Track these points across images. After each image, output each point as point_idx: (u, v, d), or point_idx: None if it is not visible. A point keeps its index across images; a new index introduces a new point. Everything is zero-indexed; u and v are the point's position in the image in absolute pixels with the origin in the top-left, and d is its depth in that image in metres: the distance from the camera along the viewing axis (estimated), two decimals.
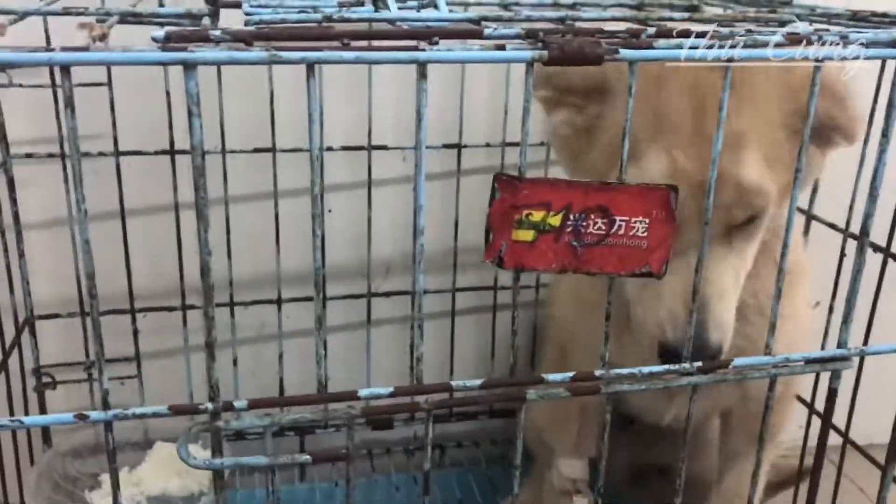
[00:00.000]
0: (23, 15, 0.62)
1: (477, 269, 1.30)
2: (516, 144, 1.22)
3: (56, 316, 1.15)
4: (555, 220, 0.57)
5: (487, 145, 1.24)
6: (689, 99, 0.68)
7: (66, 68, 0.47)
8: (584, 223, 0.57)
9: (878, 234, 0.95)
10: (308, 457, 0.58)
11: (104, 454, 1.17)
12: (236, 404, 0.55)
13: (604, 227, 0.58)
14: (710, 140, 0.64)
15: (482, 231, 1.36)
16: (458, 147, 1.21)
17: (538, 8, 0.76)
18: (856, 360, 0.66)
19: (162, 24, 0.73)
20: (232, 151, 1.12)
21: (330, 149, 1.17)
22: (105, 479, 1.17)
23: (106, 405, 0.55)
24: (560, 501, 1.01)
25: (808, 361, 0.65)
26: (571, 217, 0.57)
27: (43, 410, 1.17)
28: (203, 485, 1.15)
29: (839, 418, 0.94)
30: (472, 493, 1.27)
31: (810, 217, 1.01)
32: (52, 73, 1.02)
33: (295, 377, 1.24)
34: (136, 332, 1.17)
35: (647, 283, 0.69)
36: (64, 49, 0.46)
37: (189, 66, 0.48)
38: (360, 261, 1.24)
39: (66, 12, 0.64)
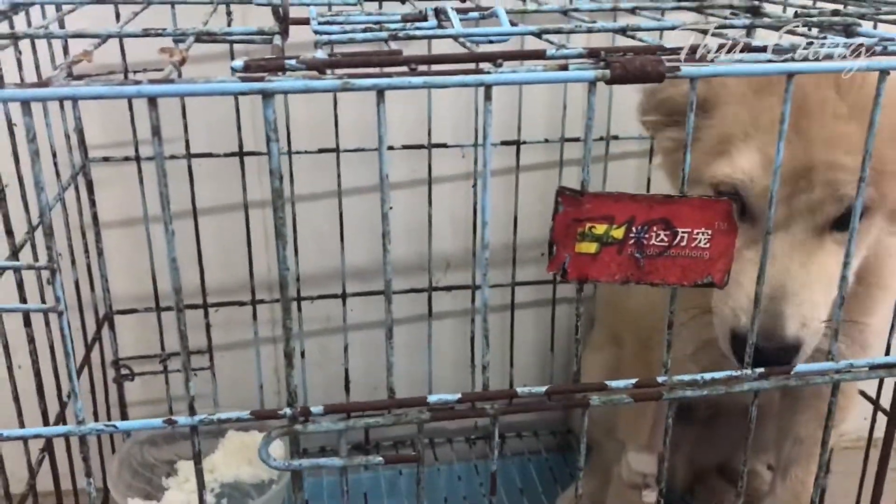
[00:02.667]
0: (105, 38, 0.66)
1: (536, 264, 1.32)
2: (576, 140, 1.24)
3: (133, 311, 1.20)
4: (618, 233, 0.59)
5: (546, 141, 1.25)
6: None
7: (153, 100, 0.50)
8: (647, 235, 0.59)
9: None
10: (381, 458, 0.61)
11: (179, 442, 1.24)
12: (313, 409, 0.58)
13: (666, 239, 0.59)
14: (804, 137, 0.68)
15: (540, 225, 1.38)
16: (518, 143, 1.23)
17: (596, 14, 0.76)
18: None
19: (234, 42, 0.76)
20: (297, 152, 1.16)
21: (391, 148, 1.19)
22: (181, 465, 1.22)
23: (192, 411, 0.58)
24: (628, 495, 1.03)
25: (872, 367, 0.66)
26: (634, 229, 0.59)
27: (122, 401, 1.23)
28: (273, 474, 1.19)
29: None
30: (533, 483, 1.29)
31: None
32: (125, 78, 1.07)
33: (360, 368, 1.28)
34: (208, 326, 1.21)
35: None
36: (151, 81, 0.49)
37: (267, 96, 0.50)
38: (421, 256, 1.27)
39: (146, 34, 0.67)
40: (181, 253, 1.16)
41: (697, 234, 0.59)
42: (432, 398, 0.60)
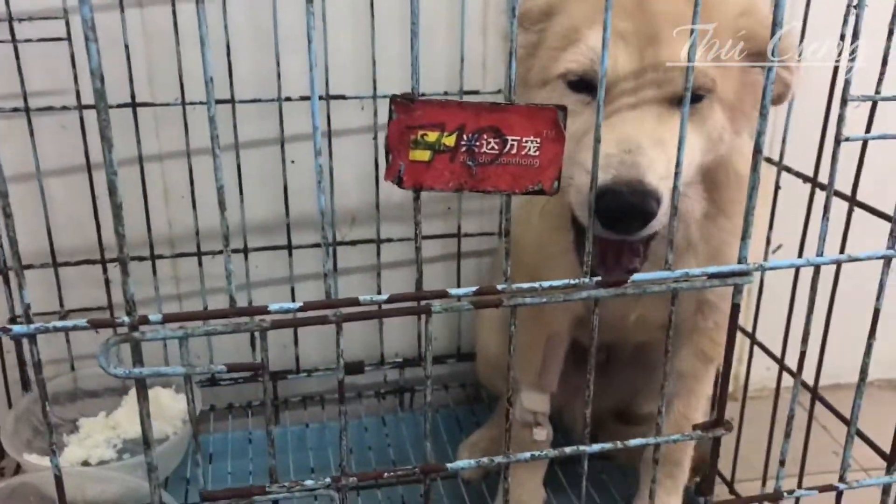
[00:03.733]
0: None
1: (444, 218, 1.33)
2: (475, 93, 1.26)
3: (30, 266, 1.19)
4: (449, 141, 0.60)
5: (445, 94, 1.26)
6: None
7: None
8: (478, 143, 0.60)
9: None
10: (223, 366, 0.62)
11: (83, 400, 1.24)
12: (151, 318, 0.59)
13: (497, 147, 0.61)
14: (649, 16, 0.72)
15: None
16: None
17: None
18: (757, 274, 0.69)
19: None
20: (191, 103, 1.16)
21: (289, 99, 1.20)
22: (83, 422, 1.22)
23: (28, 319, 0.59)
24: (521, 433, 1.05)
25: (709, 276, 0.68)
26: (465, 137, 0.60)
27: (20, 359, 1.22)
28: (177, 427, 1.20)
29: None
30: (440, 434, 1.31)
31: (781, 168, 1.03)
32: (11, 29, 1.06)
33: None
34: (107, 282, 1.21)
35: (581, 144, 0.73)
36: None
37: None
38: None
39: None
40: (79, 208, 1.18)
41: (527, 142, 0.61)
42: (273, 306, 0.61)
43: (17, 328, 0.58)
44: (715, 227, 0.86)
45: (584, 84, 0.75)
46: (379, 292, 1.30)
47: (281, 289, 1.31)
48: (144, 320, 0.59)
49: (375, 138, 1.24)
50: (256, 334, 0.61)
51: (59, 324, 0.59)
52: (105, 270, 1.20)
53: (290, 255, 1.27)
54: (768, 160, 1.01)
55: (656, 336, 1.08)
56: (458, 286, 1.34)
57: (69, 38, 1.09)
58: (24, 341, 1.21)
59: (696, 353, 1.02)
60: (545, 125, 0.60)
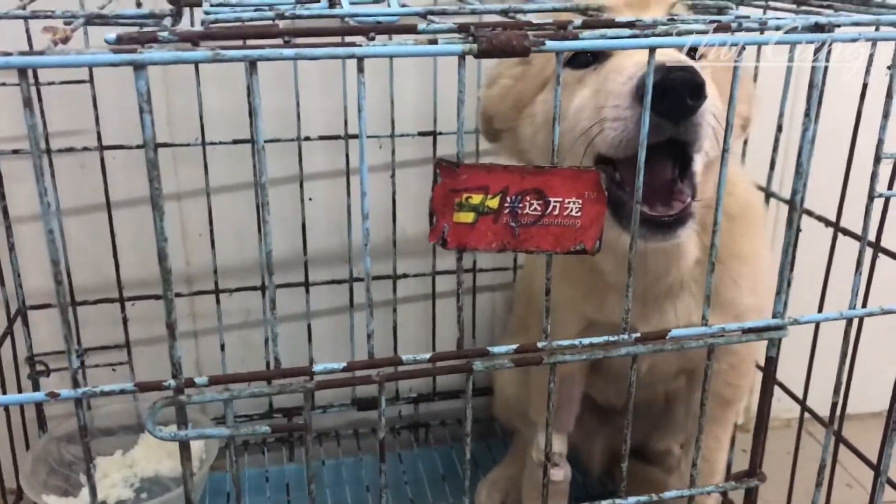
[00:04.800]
0: None
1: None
2: (452, 133, 1.27)
3: (47, 306, 1.19)
4: (493, 203, 0.61)
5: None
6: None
7: (23, 71, 0.51)
8: (521, 205, 0.61)
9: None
10: (267, 428, 0.62)
11: (98, 439, 1.23)
12: (197, 380, 0.59)
13: (539, 209, 0.61)
14: None
15: None
16: (434, 134, 1.25)
17: (487, 2, 0.79)
18: (790, 328, 0.69)
19: (126, 25, 0.77)
20: (212, 143, 1.16)
21: (308, 138, 1.20)
22: (99, 462, 1.22)
23: (76, 384, 0.59)
24: (538, 474, 1.05)
25: (745, 331, 0.69)
26: (508, 199, 0.61)
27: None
28: (194, 465, 1.19)
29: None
30: (455, 470, 1.31)
31: (769, 194, 1.04)
32: (35, 73, 1.06)
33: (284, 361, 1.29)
34: (125, 320, 1.21)
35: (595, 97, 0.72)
36: (21, 53, 0.50)
37: (138, 67, 0.52)
38: (342, 247, 1.28)
39: (34, 16, 0.68)
40: (97, 247, 1.18)
41: (569, 202, 0.61)
42: (318, 367, 0.61)
43: (65, 392, 0.58)
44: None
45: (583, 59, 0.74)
46: (394, 327, 1.30)
47: (297, 324, 1.31)
48: (190, 383, 0.59)
49: (393, 176, 1.25)
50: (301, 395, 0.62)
51: (107, 388, 0.59)
52: (123, 309, 1.20)
53: (308, 291, 1.27)
54: (768, 195, 1.02)
55: (672, 385, 1.09)
56: (474, 321, 1.37)
57: (91, 81, 1.09)
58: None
59: (712, 396, 1.02)
60: (587, 187, 0.61)
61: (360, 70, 0.56)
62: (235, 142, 1.18)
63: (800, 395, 1.06)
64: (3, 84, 1.04)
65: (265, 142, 1.16)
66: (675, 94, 0.62)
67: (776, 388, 1.11)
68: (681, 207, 0.70)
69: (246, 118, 1.16)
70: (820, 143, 0.82)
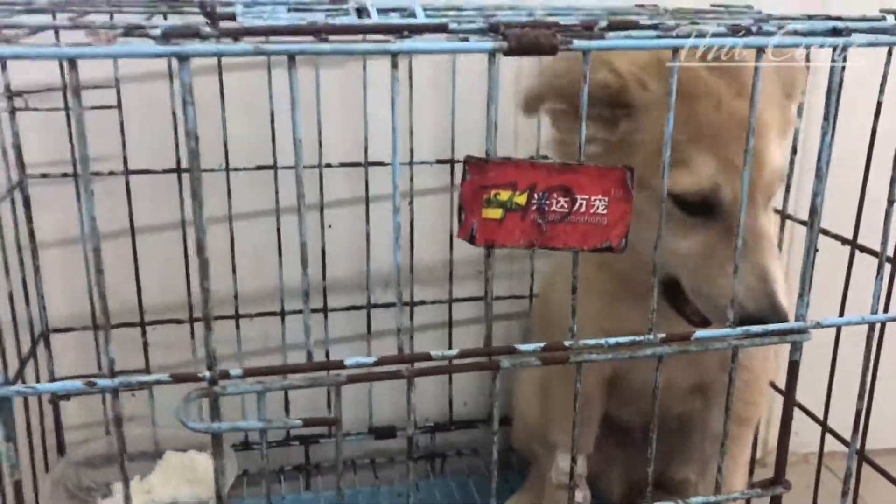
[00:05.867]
0: (37, 30, 0.68)
1: (475, 280, 1.35)
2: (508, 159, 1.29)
3: (70, 329, 1.20)
4: (521, 199, 0.62)
5: None
6: (716, 105, 0.76)
7: (73, 62, 0.53)
8: (548, 202, 0.62)
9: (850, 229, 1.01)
10: (299, 421, 0.63)
11: (116, 465, 1.23)
12: (232, 372, 0.60)
13: (566, 206, 0.63)
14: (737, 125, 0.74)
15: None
16: (452, 162, 1.27)
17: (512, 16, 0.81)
18: (813, 332, 0.70)
19: None
20: (235, 169, 1.19)
21: (329, 165, 1.23)
22: (117, 487, 1.21)
23: (112, 373, 0.60)
24: (559, 496, 1.05)
25: (767, 333, 0.70)
26: (536, 196, 0.62)
27: (58, 422, 1.22)
28: (211, 492, 1.19)
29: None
30: (471, 500, 1.30)
31: (785, 216, 1.06)
32: (64, 97, 1.09)
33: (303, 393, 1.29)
34: (146, 345, 1.22)
35: (707, 262, 0.78)
36: (70, 45, 0.52)
37: (183, 59, 0.54)
38: (360, 274, 1.29)
39: (75, 26, 0.70)
40: (119, 271, 1.20)
41: (595, 200, 0.63)
42: (349, 360, 0.62)
43: (101, 382, 0.59)
44: None
45: (698, 205, 0.78)
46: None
47: (315, 351, 1.31)
48: (225, 374, 0.60)
49: (411, 203, 1.27)
50: (332, 389, 0.62)
51: (143, 378, 0.60)
52: (144, 333, 1.21)
53: (326, 317, 1.28)
54: (784, 217, 1.04)
55: (687, 406, 1.09)
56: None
57: (119, 107, 1.12)
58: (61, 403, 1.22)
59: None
60: (613, 185, 0.63)
61: (395, 66, 0.58)
62: (258, 167, 1.20)
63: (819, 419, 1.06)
64: (35, 109, 1.07)
65: (284, 168, 1.21)
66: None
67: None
68: None
69: (265, 146, 1.18)
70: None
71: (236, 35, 0.55)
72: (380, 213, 1.28)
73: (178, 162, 1.16)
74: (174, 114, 1.14)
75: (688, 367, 0.98)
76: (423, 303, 1.33)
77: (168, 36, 0.54)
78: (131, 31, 0.69)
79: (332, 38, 0.57)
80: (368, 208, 1.25)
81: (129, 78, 1.14)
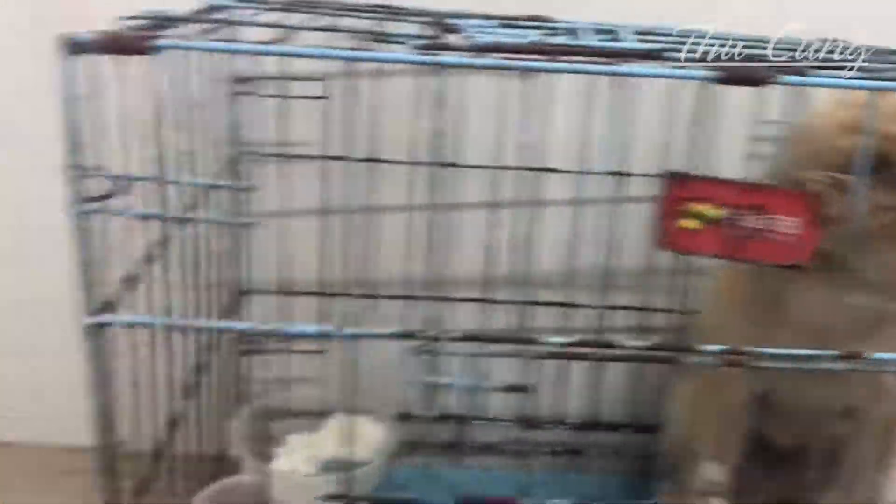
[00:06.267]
0: (289, 30, 0.79)
1: (632, 291, 1.40)
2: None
3: (266, 292, 1.35)
4: (716, 213, 0.69)
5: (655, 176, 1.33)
6: None
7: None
8: (743, 218, 0.69)
9: None
10: (502, 383, 0.71)
11: (288, 418, 1.36)
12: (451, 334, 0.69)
13: (759, 223, 0.69)
14: None
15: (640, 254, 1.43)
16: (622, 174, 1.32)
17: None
18: None
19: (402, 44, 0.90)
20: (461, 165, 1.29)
21: (506, 167, 1.31)
22: (290, 438, 1.35)
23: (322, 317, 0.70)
24: (698, 503, 1.09)
25: None
26: (732, 212, 0.68)
27: (238, 376, 1.37)
28: (370, 456, 1.29)
29: None
30: (610, 499, 1.35)
31: None
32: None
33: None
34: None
35: None
36: (351, 48, 0.63)
37: (439, 67, 0.63)
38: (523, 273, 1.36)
39: (323, 29, 0.81)
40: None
41: (788, 221, 0.68)
42: (552, 339, 0.70)
43: (334, 331, 0.69)
44: None
45: None
46: None
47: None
48: (445, 334, 0.69)
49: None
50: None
51: (377, 331, 0.69)
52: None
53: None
54: None
55: (836, 430, 1.10)
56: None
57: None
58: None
59: (874, 441, 1.03)
60: (806, 209, 0.68)
61: (619, 86, 0.65)
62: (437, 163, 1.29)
63: None
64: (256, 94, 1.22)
65: (470, 167, 1.30)
66: None
67: None
68: None
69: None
70: None
71: (482, 50, 0.64)
72: (548, 216, 1.35)
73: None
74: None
75: (838, 388, 0.99)
76: (579, 306, 1.39)
77: (426, 48, 0.64)
78: (377, 37, 0.80)
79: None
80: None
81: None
